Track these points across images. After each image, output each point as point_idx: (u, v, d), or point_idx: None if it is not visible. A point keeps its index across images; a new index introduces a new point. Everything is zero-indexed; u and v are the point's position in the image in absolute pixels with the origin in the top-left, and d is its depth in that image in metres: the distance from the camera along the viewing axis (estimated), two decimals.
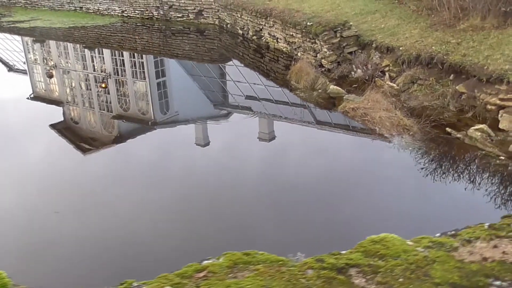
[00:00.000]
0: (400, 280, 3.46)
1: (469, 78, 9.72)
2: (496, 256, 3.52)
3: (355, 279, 3.57)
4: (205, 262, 3.93)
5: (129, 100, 14.67)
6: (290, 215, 6.65)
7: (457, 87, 9.80)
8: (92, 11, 26.66)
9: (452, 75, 10.07)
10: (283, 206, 6.96)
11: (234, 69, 15.91)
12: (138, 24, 23.90)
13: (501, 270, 3.43)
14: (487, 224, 4.13)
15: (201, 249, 5.72)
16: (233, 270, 3.74)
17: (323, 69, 12.51)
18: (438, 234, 4.21)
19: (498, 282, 3.28)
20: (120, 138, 11.26)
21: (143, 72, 17.36)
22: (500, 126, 8.69)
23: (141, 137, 11.11)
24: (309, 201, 7.04)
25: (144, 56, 18.41)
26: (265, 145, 9.56)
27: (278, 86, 12.88)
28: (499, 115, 8.90)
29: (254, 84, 13.68)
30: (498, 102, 9.04)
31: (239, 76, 14.69)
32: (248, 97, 12.73)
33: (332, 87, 11.12)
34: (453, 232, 4.13)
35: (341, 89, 11.02)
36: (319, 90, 11.22)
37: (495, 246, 3.56)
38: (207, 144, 9.70)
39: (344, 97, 10.47)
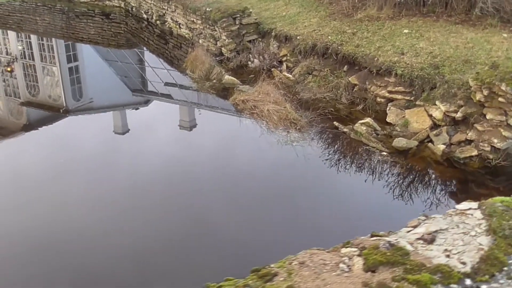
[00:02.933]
0: None
1: (361, 70, 9.51)
2: None
3: None
4: None
5: (38, 85, 13.73)
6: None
7: (349, 79, 9.57)
8: None
9: (346, 66, 9.83)
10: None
11: (152, 55, 15.05)
12: (39, 4, 22.03)
13: None
14: None
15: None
16: None
17: (222, 58, 11.91)
18: None
19: None
20: (29, 126, 10.49)
21: (53, 56, 16.23)
22: (388, 119, 8.53)
23: (53, 125, 10.40)
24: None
25: (54, 39, 17.00)
26: (186, 134, 9.27)
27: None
28: (387, 108, 8.75)
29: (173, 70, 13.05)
30: (387, 94, 8.90)
31: (158, 63, 13.98)
32: (167, 84, 12.09)
33: (227, 77, 10.55)
34: None
35: (236, 79, 10.48)
36: (214, 81, 10.62)
37: None
38: (126, 132, 9.37)
39: (237, 89, 9.93)
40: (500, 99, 7.13)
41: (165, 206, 6.52)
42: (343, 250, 1.94)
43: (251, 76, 10.82)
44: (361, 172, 7.29)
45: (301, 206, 6.45)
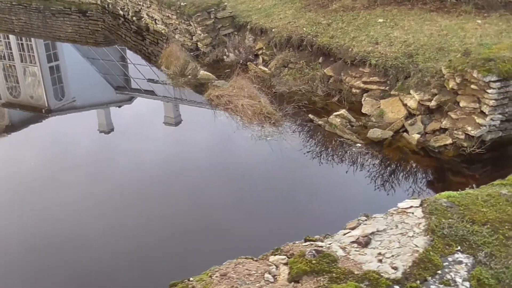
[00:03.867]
0: None
1: (336, 61, 9.40)
2: None
3: None
4: None
5: (19, 86, 13.49)
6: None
7: (325, 71, 9.46)
8: None
9: (321, 57, 9.71)
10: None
11: (132, 52, 14.83)
12: (14, 3, 21.63)
13: None
14: None
15: None
16: None
17: (198, 53, 11.73)
18: None
19: None
20: (11, 128, 10.34)
21: (33, 55, 15.89)
22: (363, 110, 8.44)
23: (36, 125, 10.25)
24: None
25: (33, 38, 16.71)
26: (172, 130, 9.15)
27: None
28: (363, 99, 8.66)
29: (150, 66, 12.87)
30: (361, 85, 8.80)
31: (139, 59, 13.74)
32: (150, 80, 11.90)
33: (202, 73, 10.39)
34: None
35: (211, 74, 10.32)
36: (189, 76, 10.44)
37: None
38: (111, 130, 9.30)
39: (212, 84, 9.78)
40: (472, 86, 7.06)
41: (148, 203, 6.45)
42: (271, 258, 1.83)
43: (227, 70, 10.65)
44: (336, 164, 7.20)
45: (274, 201, 6.34)
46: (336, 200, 6.29)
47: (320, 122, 8.11)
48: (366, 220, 2.03)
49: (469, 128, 7.12)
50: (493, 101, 6.94)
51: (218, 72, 10.83)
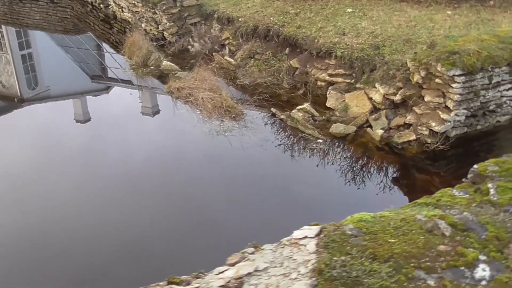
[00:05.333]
0: None
1: (302, 52, 9.07)
2: None
3: None
4: None
5: None
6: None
7: (291, 62, 9.12)
8: None
9: (287, 49, 9.36)
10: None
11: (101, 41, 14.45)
12: None
13: None
14: None
15: None
16: None
17: (164, 42, 11.30)
18: None
19: None
20: None
21: (4, 43, 15.29)
22: (327, 104, 8.14)
23: (9, 115, 9.97)
24: None
25: (3, 26, 16.12)
26: (149, 120, 8.90)
27: None
28: (328, 92, 8.36)
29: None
30: (327, 78, 8.49)
31: (108, 48, 13.42)
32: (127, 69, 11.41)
33: (165, 63, 9.97)
34: None
35: (174, 65, 9.91)
36: (151, 67, 10.02)
37: None
38: (88, 120, 9.04)
39: (174, 75, 9.38)
40: (437, 80, 6.79)
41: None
42: None
43: (192, 61, 10.26)
44: (296, 162, 6.89)
45: (224, 205, 6.01)
46: (290, 201, 5.97)
47: (282, 117, 7.79)
48: (253, 252, 1.70)
49: (433, 124, 6.87)
50: (458, 95, 6.69)
51: (183, 62, 10.44)
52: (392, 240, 2.11)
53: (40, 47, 15.10)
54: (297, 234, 1.79)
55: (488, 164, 3.11)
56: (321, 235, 1.77)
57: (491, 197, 2.80)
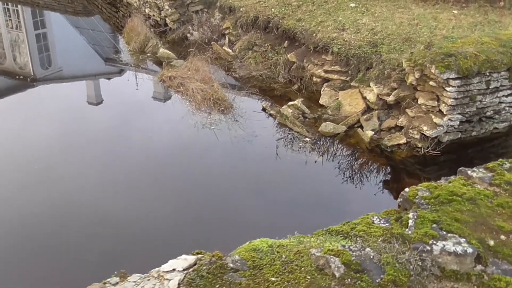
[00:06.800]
0: None
1: (301, 46, 8.82)
2: None
3: None
4: None
5: (4, 52, 12.97)
6: None
7: (288, 56, 8.88)
8: None
9: (286, 42, 9.12)
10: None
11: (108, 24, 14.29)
12: None
13: None
14: None
15: None
16: None
17: (166, 29, 11.13)
18: None
19: None
20: None
21: (19, 22, 15.39)
22: (321, 101, 7.90)
23: (22, 94, 9.91)
24: None
25: (19, 5, 16.18)
26: (160, 105, 8.73)
27: None
28: (322, 89, 8.11)
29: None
30: (322, 74, 8.24)
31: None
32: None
33: (162, 51, 9.80)
34: None
35: (171, 53, 9.74)
36: (148, 54, 9.86)
37: None
38: (100, 103, 8.95)
39: (169, 63, 9.21)
40: (431, 82, 6.52)
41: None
42: None
43: (191, 49, 10.07)
44: (280, 160, 6.68)
45: (203, 203, 5.86)
46: (269, 201, 5.78)
47: (272, 112, 7.58)
48: (117, 283, 1.52)
49: (425, 128, 6.60)
50: (452, 100, 6.41)
51: (181, 50, 10.26)
52: (273, 279, 1.86)
53: (55, 27, 15.12)
54: (166, 266, 1.60)
55: (420, 189, 2.89)
56: (190, 270, 1.58)
57: (407, 230, 2.57)
